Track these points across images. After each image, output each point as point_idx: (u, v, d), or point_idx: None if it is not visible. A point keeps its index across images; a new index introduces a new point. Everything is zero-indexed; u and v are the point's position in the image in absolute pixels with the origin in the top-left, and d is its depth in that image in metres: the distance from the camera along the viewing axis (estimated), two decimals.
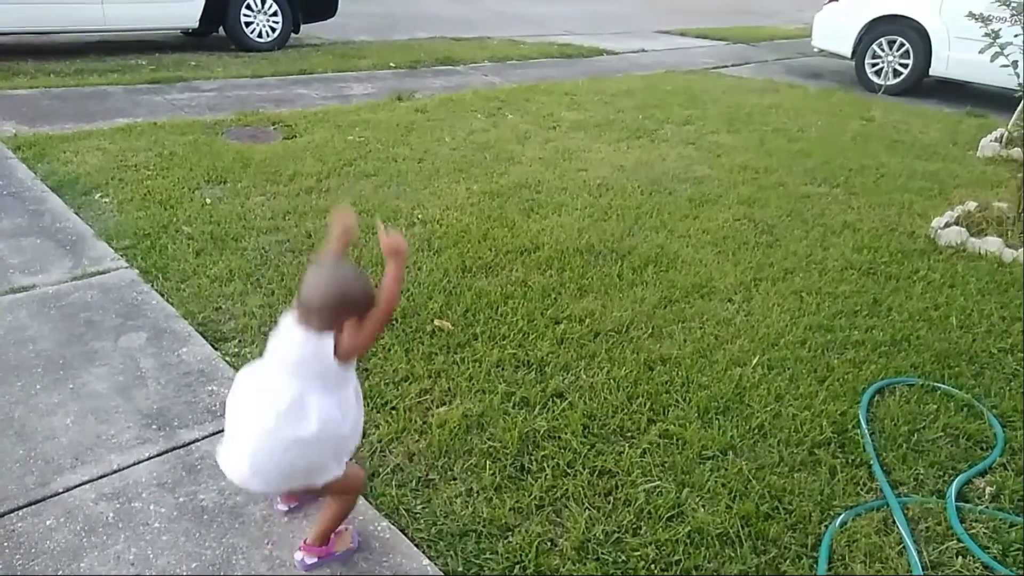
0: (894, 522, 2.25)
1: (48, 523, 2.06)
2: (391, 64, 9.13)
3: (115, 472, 2.26)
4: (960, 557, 2.16)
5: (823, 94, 8.88)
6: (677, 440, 2.56)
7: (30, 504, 2.12)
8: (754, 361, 3.03)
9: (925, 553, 2.15)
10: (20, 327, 2.99)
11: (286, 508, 2.15)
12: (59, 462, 2.28)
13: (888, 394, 2.90)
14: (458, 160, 5.44)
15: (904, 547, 2.16)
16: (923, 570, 2.07)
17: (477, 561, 2.05)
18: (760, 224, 4.52)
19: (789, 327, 3.32)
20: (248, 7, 9.12)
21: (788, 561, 2.10)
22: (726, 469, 2.43)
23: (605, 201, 4.73)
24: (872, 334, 3.31)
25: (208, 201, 4.37)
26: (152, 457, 2.33)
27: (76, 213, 4.11)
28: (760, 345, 3.16)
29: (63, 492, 2.17)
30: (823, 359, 3.10)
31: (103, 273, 3.47)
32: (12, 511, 2.09)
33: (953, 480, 2.43)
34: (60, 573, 1.92)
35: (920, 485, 2.44)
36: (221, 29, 9.33)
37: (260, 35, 9.35)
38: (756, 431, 2.62)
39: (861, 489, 2.40)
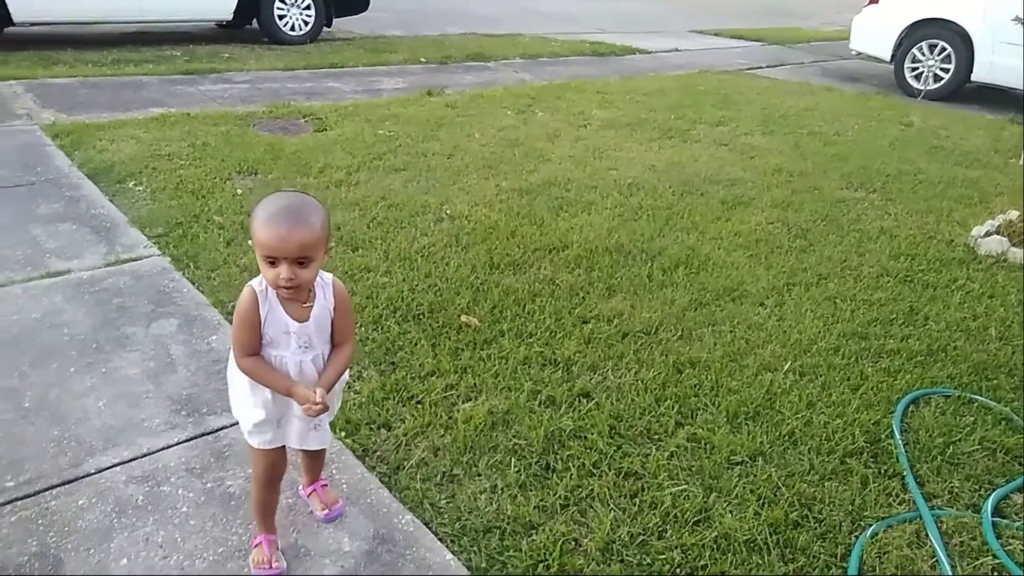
0: (927, 535, 2.20)
1: (80, 503, 2.09)
2: (422, 59, 9.16)
3: (145, 456, 2.29)
4: (996, 573, 2.10)
5: (860, 98, 8.73)
6: (705, 444, 2.52)
7: (63, 484, 2.15)
8: (786, 367, 2.98)
9: (959, 568, 2.09)
10: (55, 311, 3.04)
11: (324, 514, 2.12)
12: (91, 444, 2.31)
13: (923, 404, 2.84)
14: (487, 156, 5.43)
15: (937, 561, 2.10)
16: None
17: (501, 558, 2.03)
18: (794, 228, 4.45)
19: (822, 333, 3.26)
20: (282, 0, 9.20)
21: (817, 571, 2.05)
22: (755, 475, 2.39)
23: (635, 201, 4.69)
24: (908, 343, 3.24)
25: (239, 191, 4.41)
26: (181, 442, 2.36)
27: (111, 200, 4.17)
28: (792, 351, 3.10)
29: (95, 473, 2.20)
30: (857, 367, 3.03)
31: (136, 260, 3.51)
32: (46, 489, 2.12)
33: (990, 495, 2.37)
34: (92, 552, 1.94)
35: (955, 499, 2.38)
36: (254, 22, 9.43)
37: (293, 28, 9.43)
38: (786, 438, 2.58)
39: (893, 500, 2.35)
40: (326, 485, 2.18)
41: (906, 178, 5.59)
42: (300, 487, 2.18)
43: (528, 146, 5.74)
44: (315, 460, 2.11)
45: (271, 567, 1.92)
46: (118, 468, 2.23)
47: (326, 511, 2.11)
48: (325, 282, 1.76)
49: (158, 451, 2.31)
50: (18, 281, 3.24)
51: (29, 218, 3.87)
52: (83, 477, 2.19)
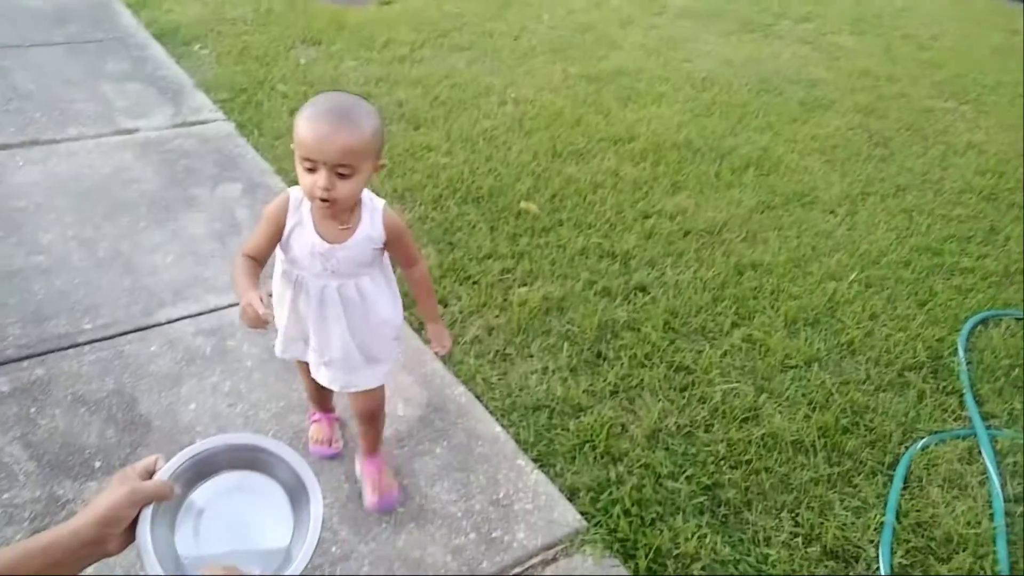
0: (979, 452, 2.17)
1: (152, 349, 2.20)
2: None
3: (212, 311, 2.37)
4: None
5: (964, 1, 7.99)
6: (760, 346, 2.50)
7: (137, 330, 2.26)
8: (851, 277, 2.89)
9: (1010, 487, 2.07)
10: (126, 167, 3.10)
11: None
12: (161, 296, 2.41)
13: (992, 326, 2.74)
14: (555, 40, 5.20)
15: (987, 477, 2.09)
16: (1005, 501, 2.00)
17: (548, 435, 2.09)
18: (875, 135, 4.20)
19: (893, 246, 3.14)
20: None
21: (862, 476, 2.06)
22: (808, 380, 2.37)
23: (709, 96, 4.47)
24: (983, 262, 3.10)
25: (302, 61, 4.34)
26: None
27: (177, 62, 4.16)
28: (860, 261, 3.00)
29: (165, 323, 2.30)
30: (926, 282, 2.93)
31: (202, 123, 3.53)
32: (121, 334, 2.24)
33: None
34: (163, 394, 2.06)
35: (1014, 420, 2.33)
36: None
37: None
38: (844, 347, 2.53)
39: (949, 417, 2.31)
40: (381, 468, 1.83)
41: (1004, 90, 5.18)
42: (356, 457, 1.90)
43: (599, 31, 5.46)
44: (363, 422, 1.79)
45: (329, 447, 1.91)
46: (187, 320, 2.33)
47: (376, 498, 1.78)
48: (375, 207, 1.52)
49: (224, 308, 2.40)
50: (90, 136, 3.30)
51: (98, 75, 3.89)
52: (154, 326, 2.30)
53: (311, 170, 1.35)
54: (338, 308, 1.55)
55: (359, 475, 1.85)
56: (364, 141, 1.36)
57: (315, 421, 1.96)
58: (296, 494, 1.02)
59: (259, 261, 1.52)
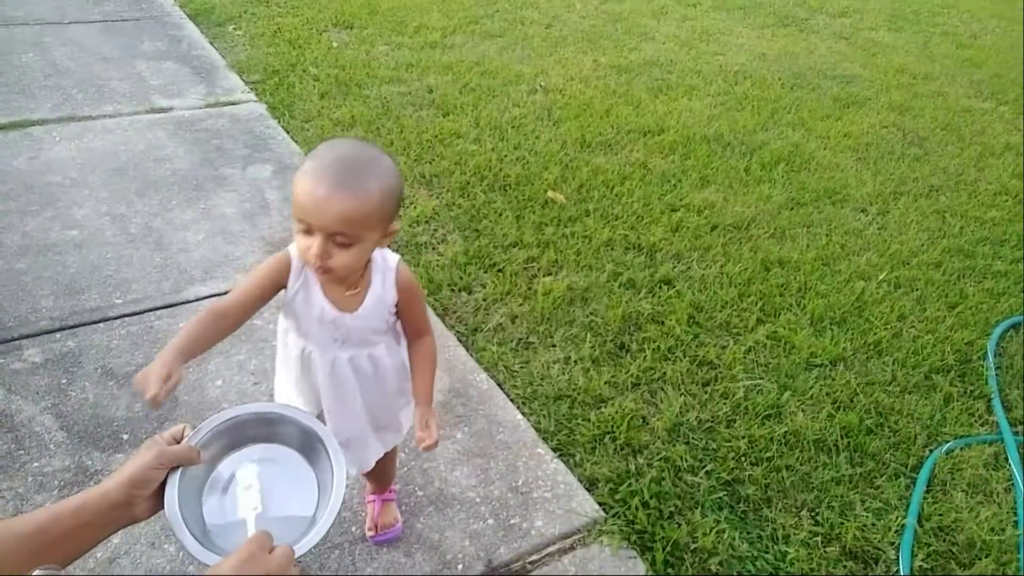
0: (1006, 458, 2.14)
1: (181, 325, 2.22)
2: None
3: None
4: None
5: None
6: (785, 344, 2.48)
7: (166, 307, 2.30)
8: (880, 276, 2.85)
9: None
10: (159, 145, 3.14)
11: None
12: (191, 273, 2.45)
13: None
14: (587, 30, 5.17)
15: (1013, 484, 2.06)
16: None
17: (568, 424, 2.09)
18: (909, 134, 4.13)
19: (925, 247, 3.09)
20: None
21: (885, 477, 2.04)
22: (833, 379, 2.35)
23: (741, 90, 4.42)
24: (1017, 266, 3.04)
25: (335, 44, 4.36)
26: None
27: (210, 43, 4.20)
28: (890, 261, 2.96)
29: (194, 301, 2.34)
30: (957, 285, 2.88)
31: (234, 104, 3.57)
32: (151, 310, 2.28)
33: None
34: (191, 370, 2.09)
35: None
36: None
37: None
38: (871, 347, 2.50)
39: (976, 421, 2.28)
40: (389, 500, 1.75)
41: None
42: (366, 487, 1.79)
43: (631, 22, 5.42)
44: (375, 471, 1.61)
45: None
46: (216, 298, 2.35)
47: (373, 533, 1.70)
48: (388, 266, 1.32)
49: None
50: (125, 114, 3.34)
51: (134, 53, 3.94)
52: (183, 303, 2.33)
53: (306, 232, 1.15)
54: (353, 384, 1.37)
55: (366, 501, 1.77)
56: (368, 208, 1.13)
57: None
58: (321, 464, 1.04)
59: (228, 324, 1.24)
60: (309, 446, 1.07)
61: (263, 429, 1.07)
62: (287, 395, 1.44)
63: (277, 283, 1.28)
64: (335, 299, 1.29)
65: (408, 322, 1.40)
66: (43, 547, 0.86)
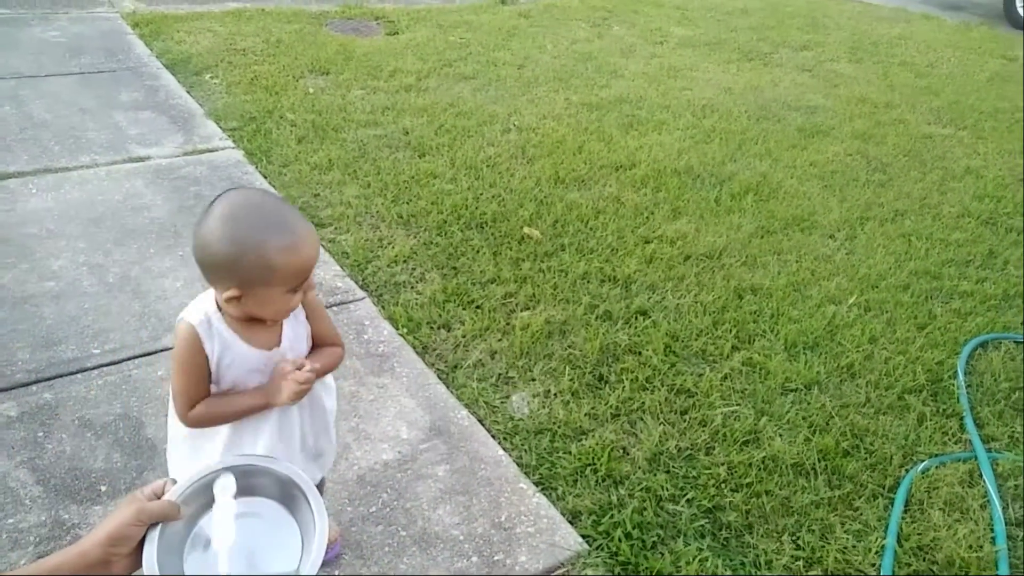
0: (980, 476, 2.18)
1: (159, 374, 2.23)
2: None
3: None
4: None
5: (961, 28, 8.10)
6: (760, 369, 2.52)
7: (145, 355, 2.30)
8: (850, 300, 2.92)
9: (1011, 510, 2.08)
10: (136, 194, 3.16)
11: None
12: (169, 321, 2.45)
13: (992, 349, 2.75)
14: (558, 69, 5.30)
15: (988, 501, 2.09)
16: (1007, 525, 2.01)
17: (550, 458, 2.11)
18: (873, 161, 4.25)
19: (893, 270, 3.17)
20: None
21: (863, 499, 2.07)
22: (808, 403, 2.39)
23: (709, 123, 4.54)
24: (983, 286, 3.12)
25: (311, 90, 4.43)
26: None
27: (188, 92, 4.25)
28: (859, 285, 3.03)
29: (172, 348, 2.33)
30: (925, 306, 2.95)
31: (212, 151, 3.60)
32: (129, 359, 2.27)
33: None
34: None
35: (1015, 443, 2.33)
36: None
37: None
38: (844, 370, 2.55)
39: (950, 440, 2.32)
40: None
41: (1002, 116, 5.24)
42: None
43: (601, 61, 5.56)
44: None
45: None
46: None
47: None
48: None
49: None
50: (102, 164, 3.37)
51: (112, 104, 3.98)
52: (162, 351, 2.33)
53: (293, 290, 1.19)
54: (295, 417, 1.36)
55: None
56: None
57: None
58: (303, 513, 1.04)
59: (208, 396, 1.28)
60: (289, 495, 1.07)
61: (242, 482, 1.05)
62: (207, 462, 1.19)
63: (204, 353, 1.23)
64: (257, 341, 1.26)
65: (318, 334, 1.39)
66: None
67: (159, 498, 0.98)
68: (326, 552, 1.58)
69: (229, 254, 1.13)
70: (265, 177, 3.41)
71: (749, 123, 4.62)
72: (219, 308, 1.25)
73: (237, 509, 1.02)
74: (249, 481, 1.06)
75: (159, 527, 0.96)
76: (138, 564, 0.93)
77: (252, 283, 1.15)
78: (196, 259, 1.18)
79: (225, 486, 1.02)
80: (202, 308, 1.25)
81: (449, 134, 4.03)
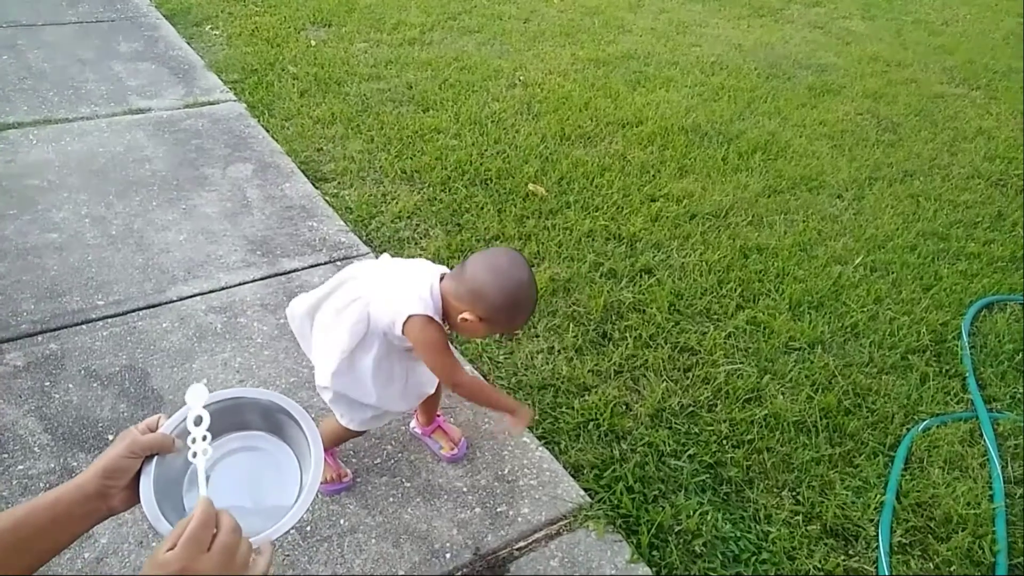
0: (981, 435, 2.19)
1: (164, 326, 2.24)
2: None
3: (223, 289, 2.41)
4: None
5: None
6: (764, 328, 2.52)
7: (149, 307, 2.30)
8: (856, 260, 2.90)
9: (1010, 468, 2.09)
10: (138, 146, 3.13)
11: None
12: (173, 273, 2.44)
13: (997, 310, 2.75)
14: (565, 24, 5.19)
15: (988, 459, 2.11)
16: (1005, 483, 2.02)
17: (553, 413, 2.12)
18: (883, 121, 4.19)
19: (900, 231, 3.14)
20: None
21: (863, 456, 2.08)
22: (811, 362, 2.39)
23: (717, 80, 4.46)
24: (990, 248, 3.10)
25: (313, 43, 4.35)
26: (256, 280, 2.47)
27: (188, 43, 4.18)
28: (865, 245, 3.01)
29: (177, 300, 2.34)
30: (932, 267, 2.93)
31: (213, 104, 3.56)
32: (133, 311, 2.27)
33: None
34: (175, 369, 2.10)
35: (1015, 403, 2.34)
36: None
37: None
38: (848, 330, 2.55)
39: (951, 399, 2.33)
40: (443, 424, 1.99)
41: (1016, 76, 5.14)
42: (413, 424, 1.99)
43: (608, 15, 5.45)
44: (435, 397, 1.87)
45: (341, 481, 1.83)
46: (198, 298, 2.37)
47: (454, 451, 1.93)
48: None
49: (235, 286, 2.43)
50: (103, 116, 3.33)
51: (110, 55, 3.92)
52: (166, 303, 2.33)
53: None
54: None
55: (422, 435, 1.97)
56: None
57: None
58: (302, 451, 1.05)
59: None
60: (275, 423, 1.07)
61: (233, 418, 1.06)
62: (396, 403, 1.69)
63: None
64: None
65: None
66: (19, 543, 0.85)
67: (153, 432, 0.99)
68: (459, 450, 1.95)
69: (505, 307, 1.49)
70: (267, 130, 3.37)
71: (758, 81, 4.54)
72: (432, 305, 1.51)
73: (232, 445, 1.04)
74: (240, 417, 1.06)
75: (155, 460, 0.96)
76: (135, 499, 0.95)
77: (494, 323, 1.51)
78: (483, 287, 1.46)
79: (197, 393, 1.02)
80: (421, 304, 1.49)
81: (453, 89, 3.97)
